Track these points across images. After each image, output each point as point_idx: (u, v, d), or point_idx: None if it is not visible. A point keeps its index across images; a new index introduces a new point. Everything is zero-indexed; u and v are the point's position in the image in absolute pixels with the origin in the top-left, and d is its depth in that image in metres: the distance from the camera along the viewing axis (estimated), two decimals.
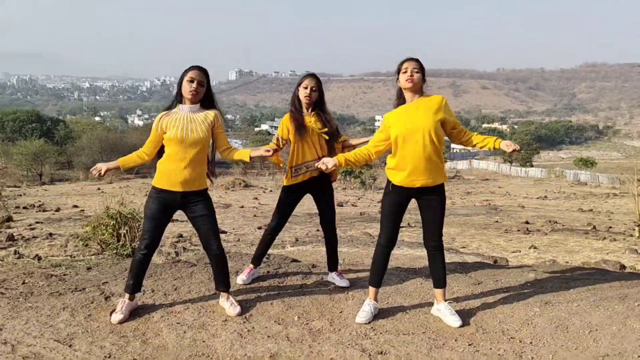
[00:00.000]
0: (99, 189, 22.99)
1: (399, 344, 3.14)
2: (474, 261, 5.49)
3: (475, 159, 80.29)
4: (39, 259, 6.67)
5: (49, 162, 38.34)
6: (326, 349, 3.06)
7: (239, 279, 4.11)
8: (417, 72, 3.36)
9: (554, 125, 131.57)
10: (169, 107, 3.54)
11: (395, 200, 3.50)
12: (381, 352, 3.03)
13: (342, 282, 4.16)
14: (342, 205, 17.56)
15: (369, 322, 3.44)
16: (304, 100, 3.92)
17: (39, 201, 17.09)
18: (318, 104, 3.99)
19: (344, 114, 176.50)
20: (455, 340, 3.24)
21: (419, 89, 3.43)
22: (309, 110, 3.97)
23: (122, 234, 6.16)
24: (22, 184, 28.49)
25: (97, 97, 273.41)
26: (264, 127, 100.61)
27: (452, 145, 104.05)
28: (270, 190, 22.94)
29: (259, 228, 11.20)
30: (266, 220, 12.85)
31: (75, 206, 15.50)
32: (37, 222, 11.65)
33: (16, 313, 3.54)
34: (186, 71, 3.43)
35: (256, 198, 19.17)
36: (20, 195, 19.74)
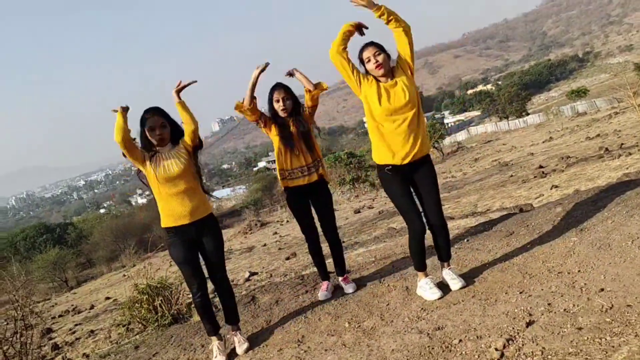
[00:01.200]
0: (124, 275, 23.04)
1: (453, 315, 3.11)
2: (500, 215, 5.44)
3: (472, 125, 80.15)
4: (87, 356, 6.69)
5: (69, 266, 38.53)
6: (384, 342, 3.03)
7: (321, 296, 4.08)
8: (379, 54, 3.30)
9: (535, 69, 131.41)
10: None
11: (395, 181, 3.44)
12: (438, 328, 3.00)
13: (348, 288, 4.10)
14: (359, 212, 17.49)
15: (441, 296, 3.39)
16: (281, 114, 3.91)
17: (72, 305, 17.12)
18: (295, 109, 3.97)
19: (333, 127, 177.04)
20: (506, 293, 3.21)
21: (389, 69, 3.37)
22: (290, 119, 3.95)
23: (158, 305, 6.15)
24: (51, 296, 28.60)
25: (96, 191, 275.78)
26: (261, 164, 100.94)
27: (446, 121, 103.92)
28: (287, 221, 22.89)
29: (287, 259, 11.17)
30: (292, 249, 12.82)
31: (108, 298, 15.51)
32: (76, 325, 11.67)
33: None
34: (143, 120, 3.39)
35: (276, 232, 19.12)
36: (52, 306, 19.80)
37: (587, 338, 2.42)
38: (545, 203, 5.31)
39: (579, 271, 3.18)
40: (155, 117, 3.38)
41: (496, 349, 2.57)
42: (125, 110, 3.30)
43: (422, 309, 3.37)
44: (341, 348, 3.15)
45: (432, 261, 3.97)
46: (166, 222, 3.43)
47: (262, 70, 3.86)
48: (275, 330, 3.73)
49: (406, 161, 3.34)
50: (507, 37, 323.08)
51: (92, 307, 14.58)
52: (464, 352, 2.66)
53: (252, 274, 10.55)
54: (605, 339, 2.37)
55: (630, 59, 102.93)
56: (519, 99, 68.72)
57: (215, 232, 3.57)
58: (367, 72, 3.43)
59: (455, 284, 3.45)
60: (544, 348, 2.45)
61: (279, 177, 4.01)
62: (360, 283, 4.22)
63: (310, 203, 4.04)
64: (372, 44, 3.37)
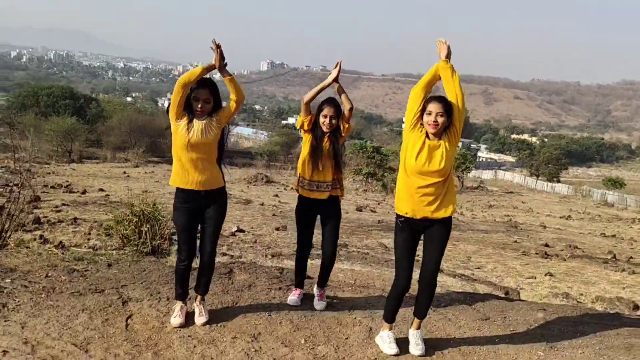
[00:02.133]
0: (124, 172, 23.44)
1: None
2: (485, 292, 5.51)
3: (502, 169, 79.40)
4: (63, 246, 6.91)
5: (79, 139, 39.14)
6: None
7: (290, 300, 4.21)
8: (441, 117, 3.29)
9: (585, 142, 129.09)
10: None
11: (404, 233, 3.50)
12: None
13: (319, 305, 4.22)
14: (361, 211, 17.59)
15: (397, 354, 3.50)
16: (324, 129, 3.99)
17: (67, 181, 17.50)
18: (337, 127, 4.05)
19: (372, 113, 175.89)
20: None
21: (441, 132, 3.39)
22: (329, 135, 4.03)
23: (144, 232, 6.33)
24: (51, 161, 29.17)
25: (130, 78, 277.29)
26: (291, 120, 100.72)
27: (479, 154, 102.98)
28: (292, 188, 23.06)
29: (277, 229, 11.34)
30: (284, 220, 12.97)
31: (102, 189, 15.83)
32: (64, 204, 11.97)
33: (38, 311, 3.72)
34: (192, 88, 3.50)
35: (277, 195, 19.31)
36: (49, 173, 20.25)
37: None
38: (530, 302, 5.36)
39: None
40: (204, 90, 3.50)
41: None
42: (211, 68, 3.50)
43: (375, 358, 3.48)
44: None
45: (405, 311, 4.05)
46: (175, 181, 3.57)
47: (337, 76, 3.96)
48: (238, 316, 3.87)
49: (419, 216, 3.40)
50: (572, 100, 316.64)
51: (84, 191, 14.92)
52: None
53: (239, 230, 10.73)
54: None
55: None
56: (557, 163, 67.71)
57: (220, 207, 3.70)
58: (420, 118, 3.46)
59: (416, 349, 3.54)
60: None
61: (296, 182, 4.10)
62: (330, 302, 4.34)
63: (317, 216, 4.14)
64: (441, 100, 3.34)
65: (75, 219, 10.01)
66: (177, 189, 3.59)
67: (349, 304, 4.37)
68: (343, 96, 4.07)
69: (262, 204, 15.44)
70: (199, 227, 3.73)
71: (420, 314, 3.65)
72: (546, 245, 13.89)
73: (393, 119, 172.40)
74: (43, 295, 4.04)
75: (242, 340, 3.54)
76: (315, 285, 4.35)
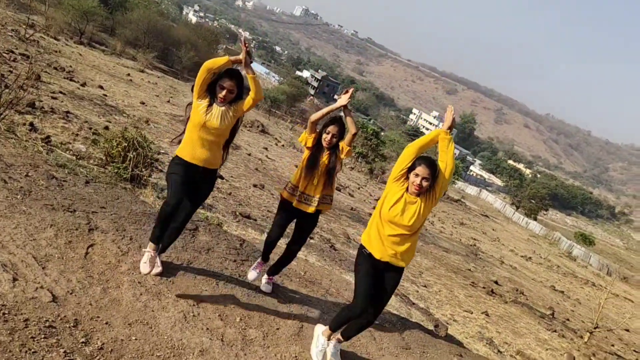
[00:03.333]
0: (128, 74, 23.28)
1: None
2: (417, 320, 5.88)
3: (487, 189, 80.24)
4: (49, 142, 7.08)
5: (94, 23, 38.46)
6: (251, 357, 3.47)
7: (250, 276, 4.46)
8: (426, 181, 3.45)
9: (574, 190, 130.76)
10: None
11: (367, 264, 3.69)
12: None
13: (265, 287, 4.52)
14: (339, 190, 17.90)
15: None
16: (324, 145, 4.18)
17: (70, 67, 17.42)
18: (336, 145, 4.25)
19: (385, 93, 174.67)
20: None
21: (422, 192, 3.54)
22: (328, 151, 4.23)
23: (129, 158, 6.53)
24: (61, 37, 28.74)
25: None
26: (306, 73, 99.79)
27: (472, 168, 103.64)
28: (283, 145, 23.22)
29: (254, 185, 11.58)
30: (264, 179, 13.22)
31: (101, 87, 15.83)
32: (61, 92, 12.01)
33: (10, 213, 3.94)
34: (221, 75, 3.71)
35: (266, 148, 19.48)
36: (56, 51, 20.05)
37: None
38: (452, 343, 5.73)
39: None
40: (230, 81, 3.68)
41: None
42: (237, 62, 3.77)
43: (296, 356, 3.80)
44: (218, 339, 3.59)
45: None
46: (182, 152, 3.76)
47: (346, 103, 4.15)
48: (187, 277, 4.15)
49: (383, 260, 3.65)
50: (577, 146, 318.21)
51: (84, 84, 14.91)
52: None
53: (219, 176, 10.99)
54: None
55: None
56: (540, 202, 68.75)
57: (210, 188, 3.97)
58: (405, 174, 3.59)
59: (317, 356, 3.86)
60: None
61: (287, 186, 4.29)
62: (275, 288, 4.64)
63: (291, 219, 4.38)
64: (431, 165, 3.46)
65: (67, 112, 10.11)
66: (180, 158, 3.78)
67: (291, 296, 4.67)
68: (349, 120, 4.20)
69: (249, 154, 15.64)
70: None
71: (348, 336, 3.92)
72: (496, 282, 14.41)
73: (404, 105, 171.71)
74: (19, 197, 4.26)
75: (185, 301, 3.83)
76: (267, 271, 4.63)
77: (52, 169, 5.48)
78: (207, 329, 3.65)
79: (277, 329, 4.05)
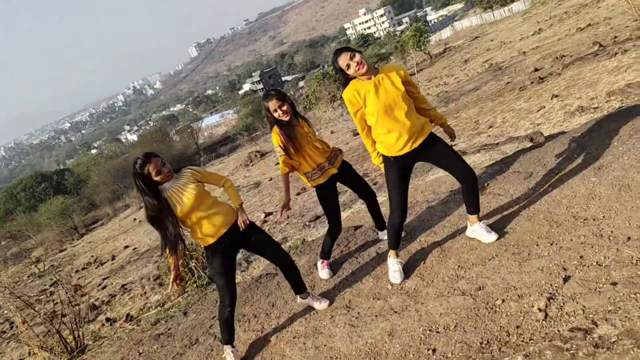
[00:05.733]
0: (135, 219, 23.55)
1: (491, 272, 3.37)
2: (514, 151, 5.62)
3: (456, 21, 78.14)
4: (131, 318, 7.10)
5: (75, 212, 39.16)
6: (431, 306, 3.30)
7: (324, 275, 4.35)
8: (355, 57, 3.41)
9: None
10: (147, 205, 3.47)
11: (399, 170, 3.59)
12: (480, 288, 3.26)
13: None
14: (357, 135, 17.67)
15: (403, 280, 3.73)
16: (283, 119, 3.96)
17: (92, 256, 17.70)
18: (294, 112, 4.06)
19: (313, 38, 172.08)
20: (537, 245, 3.44)
21: (371, 67, 3.48)
22: (295, 122, 4.02)
23: (193, 267, 6.47)
24: (64, 244, 29.30)
25: (83, 132, 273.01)
26: (246, 86, 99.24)
27: (429, 18, 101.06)
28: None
29: (298, 194, 11.46)
30: (299, 182, 13.07)
31: (127, 246, 16.03)
32: (104, 279, 12.17)
33: None
34: (145, 171, 3.40)
35: (278, 163, 19.40)
36: (71, 257, 20.41)
37: (623, 294, 2.67)
38: (557, 135, 5.46)
39: (603, 217, 3.40)
40: (152, 162, 3.46)
41: (539, 309, 2.84)
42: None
43: (459, 265, 3.62)
44: (391, 314, 3.44)
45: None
46: (206, 240, 3.60)
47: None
48: (323, 295, 4.03)
49: (411, 149, 3.53)
50: None
51: (113, 257, 15.10)
52: (509, 313, 2.93)
53: (268, 214, 10.88)
54: None
55: None
56: None
57: (250, 229, 3.74)
58: (347, 80, 3.55)
59: (490, 237, 3.68)
60: (584, 306, 2.71)
61: (312, 177, 4.11)
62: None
63: (335, 189, 4.21)
64: (346, 50, 3.49)
65: (123, 286, 10.21)
66: (206, 247, 3.63)
67: (413, 226, 4.49)
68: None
69: (271, 179, 15.53)
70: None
71: (475, 208, 3.74)
72: (536, 69, 13.92)
73: (335, 30, 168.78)
74: None
75: (340, 315, 3.70)
76: (380, 232, 4.55)
77: (153, 330, 5.45)
78: (376, 315, 3.50)
79: (424, 262, 3.88)
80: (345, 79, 3.57)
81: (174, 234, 3.42)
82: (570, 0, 39.92)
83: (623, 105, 6.23)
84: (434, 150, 3.61)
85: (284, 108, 3.94)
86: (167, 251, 3.51)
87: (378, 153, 3.67)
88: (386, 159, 3.63)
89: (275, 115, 3.95)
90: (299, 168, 4.05)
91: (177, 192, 3.47)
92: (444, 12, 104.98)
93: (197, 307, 5.35)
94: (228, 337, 3.72)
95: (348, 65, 3.44)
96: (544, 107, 9.04)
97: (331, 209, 4.18)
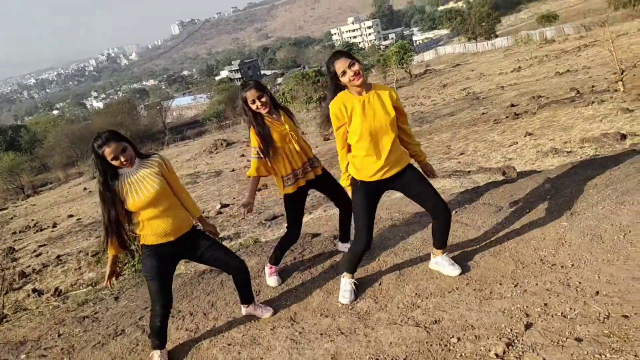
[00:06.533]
0: (85, 188, 22.67)
1: (449, 305, 3.16)
2: (485, 182, 5.48)
3: (440, 45, 79.28)
4: (60, 293, 6.64)
5: (24, 171, 37.62)
6: (382, 333, 3.07)
7: (272, 282, 4.05)
8: (354, 66, 3.12)
9: None
10: (100, 181, 3.10)
11: (367, 195, 3.35)
12: (436, 321, 3.05)
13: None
14: (328, 140, 17.42)
15: (353, 301, 3.49)
16: (263, 113, 3.70)
17: (32, 220, 16.86)
18: (275, 104, 3.80)
19: (298, 37, 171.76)
20: (500, 284, 3.26)
21: (365, 81, 3.22)
22: (274, 115, 3.76)
23: (135, 249, 6.07)
24: (7, 202, 28.01)
25: (47, 91, 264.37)
26: (224, 73, 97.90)
27: (414, 38, 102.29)
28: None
29: (258, 190, 11.13)
30: (262, 180, 12.76)
31: (71, 215, 15.30)
32: (40, 246, 11.54)
33: None
34: (100, 152, 3.01)
35: (243, 155, 18.96)
36: (12, 217, 19.44)
37: (588, 352, 2.49)
38: (530, 172, 5.35)
39: (572, 266, 3.25)
40: (111, 146, 3.04)
41: (496, 355, 2.64)
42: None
43: (416, 294, 3.40)
44: (337, 334, 3.19)
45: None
46: (148, 239, 3.24)
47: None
48: (266, 304, 3.74)
49: (388, 175, 3.30)
50: None
51: (54, 225, 14.38)
52: (463, 354, 2.72)
53: (224, 205, 10.51)
54: (605, 356, 2.46)
55: None
56: (489, 19, 67.80)
57: (203, 235, 3.42)
58: (336, 87, 3.26)
59: (453, 270, 3.47)
60: (544, 359, 2.52)
61: (287, 183, 3.84)
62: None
63: (305, 198, 4.02)
64: (345, 55, 3.19)
65: (58, 257, 9.66)
66: (146, 246, 3.27)
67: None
68: None
69: (233, 170, 15.14)
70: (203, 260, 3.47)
71: (443, 243, 3.52)
72: (512, 105, 14.03)
73: (321, 35, 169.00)
74: (65, 359, 3.83)
75: (282, 327, 3.42)
76: (343, 244, 4.31)
77: (78, 311, 5.04)
78: (321, 334, 3.24)
79: (380, 284, 3.65)
80: (334, 86, 3.27)
81: (114, 221, 3.07)
82: (551, 44, 41.01)
83: (598, 154, 6.19)
84: (408, 180, 3.37)
85: (263, 99, 3.67)
86: (108, 241, 3.16)
87: (349, 175, 3.40)
88: (354, 182, 3.36)
89: (253, 106, 3.67)
90: (275, 172, 3.78)
91: (135, 182, 3.11)
92: (430, 34, 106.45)
93: (130, 294, 4.98)
94: (159, 342, 3.36)
95: (344, 72, 3.14)
96: (517, 142, 9.03)
97: (294, 216, 3.92)
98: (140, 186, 3.10)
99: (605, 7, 57.79)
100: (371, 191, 3.36)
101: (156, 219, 3.15)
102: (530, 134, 9.36)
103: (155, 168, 3.19)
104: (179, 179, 3.41)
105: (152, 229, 3.16)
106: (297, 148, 3.79)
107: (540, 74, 22.12)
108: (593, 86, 13.62)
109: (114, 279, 3.34)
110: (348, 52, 3.28)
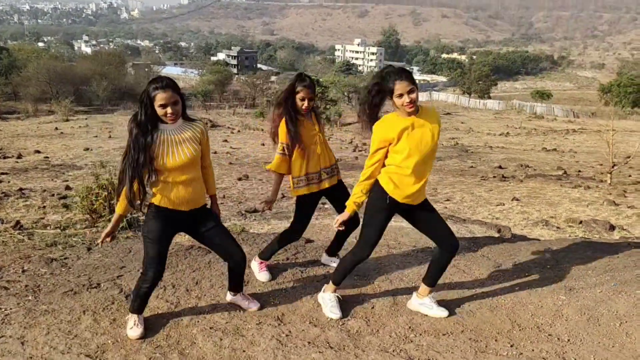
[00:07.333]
0: (56, 128, 21.93)
1: (444, 349, 3.11)
2: (484, 235, 5.50)
3: (435, 90, 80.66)
4: (21, 226, 6.32)
5: None
6: (373, 358, 3.00)
7: (263, 277, 3.94)
8: (413, 93, 3.01)
9: (511, 56, 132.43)
10: (139, 121, 2.90)
11: (390, 215, 3.30)
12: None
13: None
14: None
15: (342, 317, 3.41)
16: (302, 111, 3.64)
17: None
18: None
19: (303, 42, 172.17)
20: (496, 340, 3.24)
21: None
22: (307, 115, 3.70)
23: (115, 204, 5.86)
24: None
25: (39, 21, 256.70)
26: (221, 56, 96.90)
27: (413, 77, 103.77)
28: (239, 131, 22.43)
29: (239, 179, 10.98)
30: (243, 169, 12.58)
31: (38, 151, 14.75)
32: (2, 174, 11.04)
33: (33, 319, 3.31)
34: (152, 94, 2.86)
35: (226, 140, 18.70)
36: None
37: None
38: (528, 238, 5.40)
39: (568, 340, 3.26)
40: (166, 93, 2.88)
41: None
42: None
43: (410, 327, 3.35)
44: (326, 347, 3.10)
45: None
46: (160, 200, 3.11)
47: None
48: (254, 297, 3.63)
49: (415, 203, 3.31)
50: (497, 15, 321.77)
51: (20, 156, 13.82)
52: None
53: None
54: None
55: (598, 78, 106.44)
56: (487, 79, 69.50)
57: (212, 216, 3.31)
58: (376, 105, 3.19)
59: (441, 312, 3.44)
60: None
61: (298, 184, 3.76)
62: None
63: (317, 203, 3.96)
64: (408, 76, 3.04)
65: (21, 189, 9.26)
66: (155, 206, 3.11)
67: (361, 268, 4.19)
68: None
69: (215, 152, 14.88)
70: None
71: (435, 281, 3.47)
72: (500, 167, 14.28)
73: (324, 46, 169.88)
74: (31, 298, 3.61)
75: (268, 325, 3.31)
76: (331, 257, 4.23)
77: (45, 251, 4.80)
78: (309, 342, 3.15)
79: (373, 307, 3.58)
80: (372, 101, 3.17)
81: (141, 167, 2.91)
82: (540, 120, 42.22)
83: (587, 237, 6.32)
84: (424, 212, 3.36)
85: (312, 102, 3.64)
86: (123, 192, 2.98)
87: (366, 193, 3.26)
88: (382, 197, 3.23)
89: (300, 104, 3.59)
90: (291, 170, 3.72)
91: (176, 142, 2.97)
92: (427, 77, 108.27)
93: (104, 249, 4.76)
94: (138, 307, 3.21)
95: (400, 95, 3.01)
96: (504, 204, 9.16)
97: (302, 217, 3.85)
98: (178, 148, 2.97)
99: (597, 100, 60.06)
100: (394, 211, 3.31)
101: (179, 185, 3.02)
102: (517, 200, 9.51)
103: (197, 134, 3.08)
104: (209, 150, 3.29)
105: (170, 193, 3.03)
106: (319, 151, 3.74)
107: (527, 145, 22.69)
108: (579, 171, 14.01)
109: (108, 239, 3.16)
110: (411, 74, 3.17)
